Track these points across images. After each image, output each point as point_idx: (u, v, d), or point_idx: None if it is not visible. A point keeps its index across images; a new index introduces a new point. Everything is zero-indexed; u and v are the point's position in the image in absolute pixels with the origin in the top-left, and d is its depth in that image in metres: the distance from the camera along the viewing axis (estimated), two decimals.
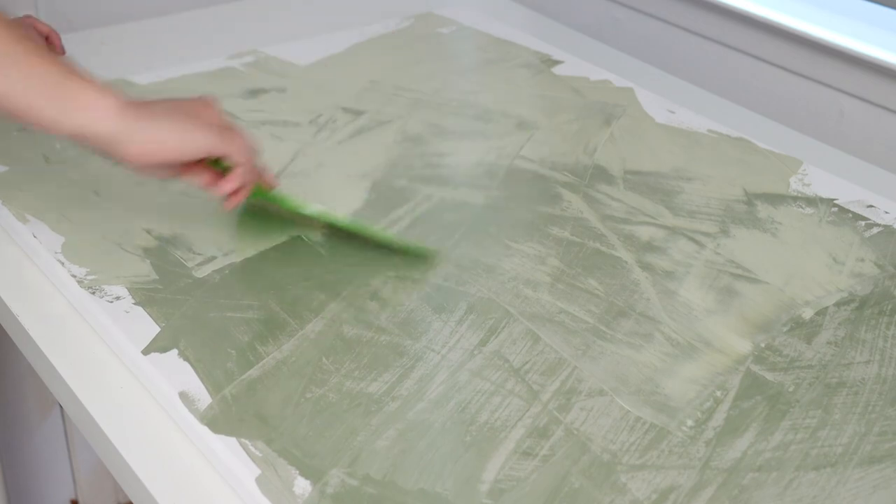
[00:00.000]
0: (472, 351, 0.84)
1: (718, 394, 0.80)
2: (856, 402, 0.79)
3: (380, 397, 0.79)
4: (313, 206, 0.96)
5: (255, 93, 1.22)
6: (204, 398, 0.78)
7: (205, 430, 0.76)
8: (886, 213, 1.02)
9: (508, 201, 1.04)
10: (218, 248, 0.95)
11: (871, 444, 0.76)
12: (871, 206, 1.03)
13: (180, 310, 0.87)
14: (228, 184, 0.88)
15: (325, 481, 0.72)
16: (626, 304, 0.89)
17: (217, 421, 0.76)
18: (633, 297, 0.90)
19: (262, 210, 0.98)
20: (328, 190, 1.05)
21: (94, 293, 0.89)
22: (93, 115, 0.81)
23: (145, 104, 0.84)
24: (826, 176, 1.08)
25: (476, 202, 1.03)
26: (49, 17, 1.42)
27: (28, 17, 1.24)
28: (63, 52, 1.25)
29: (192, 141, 0.85)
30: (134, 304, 0.88)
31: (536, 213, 1.01)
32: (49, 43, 1.24)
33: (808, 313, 0.89)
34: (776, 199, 1.04)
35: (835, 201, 1.04)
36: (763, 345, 0.85)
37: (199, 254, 0.94)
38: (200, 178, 0.90)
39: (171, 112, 0.85)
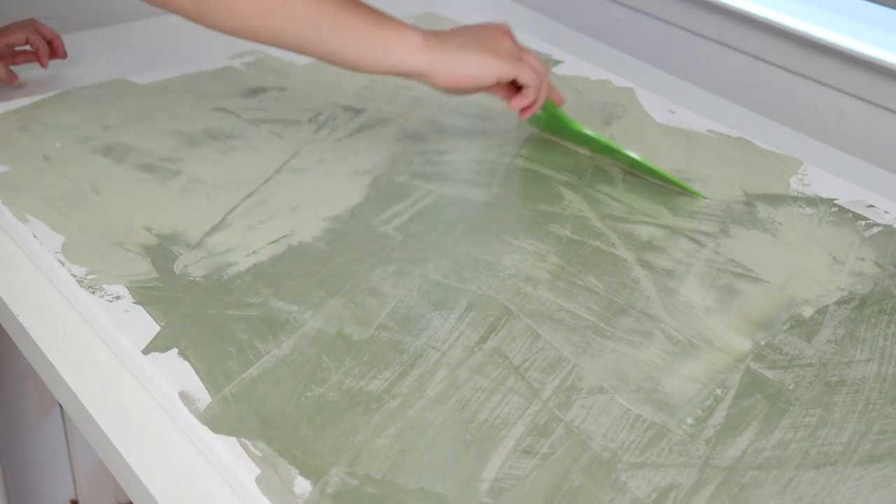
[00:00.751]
0: (472, 348, 0.84)
1: (718, 392, 0.80)
2: (856, 400, 0.79)
3: (380, 395, 0.79)
4: (588, 130, 1.09)
5: (255, 91, 1.22)
6: (204, 398, 0.78)
7: (205, 430, 0.76)
8: (886, 212, 1.02)
9: (508, 199, 1.04)
10: (217, 246, 0.95)
11: (871, 442, 0.76)
12: (871, 205, 1.03)
13: (180, 308, 0.87)
14: (519, 101, 1.05)
15: (325, 481, 0.72)
16: (626, 302, 0.89)
17: (217, 420, 0.76)
18: (634, 295, 0.90)
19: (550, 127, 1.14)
20: (329, 185, 1.05)
21: (94, 293, 0.89)
22: (402, 55, 0.99)
23: (445, 37, 1.02)
24: (826, 176, 1.08)
25: (476, 199, 1.03)
26: (49, 17, 1.42)
27: (31, 21, 1.24)
28: (65, 55, 1.25)
29: (486, 71, 1.01)
30: (134, 303, 0.88)
31: (536, 210, 1.01)
32: (52, 46, 1.24)
33: (808, 312, 0.89)
34: (776, 199, 1.04)
35: (835, 201, 1.04)
36: (763, 343, 0.85)
37: (199, 250, 0.94)
38: (501, 94, 1.06)
39: (468, 46, 1.02)
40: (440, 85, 1.01)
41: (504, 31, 1.05)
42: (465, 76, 1.01)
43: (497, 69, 1.01)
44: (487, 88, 1.05)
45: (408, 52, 0.99)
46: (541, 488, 0.71)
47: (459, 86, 1.02)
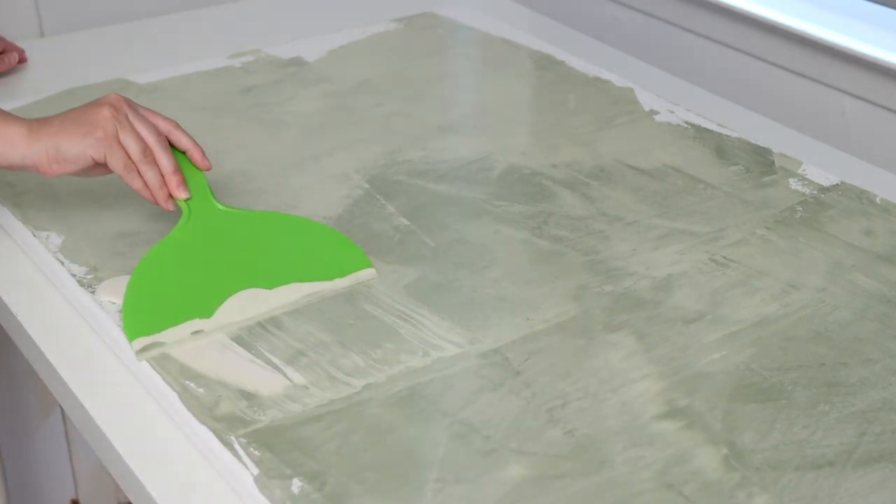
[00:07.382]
0: (470, 349, 0.84)
1: (718, 392, 0.80)
2: (855, 401, 0.79)
3: (378, 397, 0.79)
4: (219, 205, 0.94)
5: (253, 91, 1.22)
6: (204, 398, 0.78)
7: (205, 430, 0.76)
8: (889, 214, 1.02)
9: (506, 198, 1.04)
10: None
11: (870, 443, 0.76)
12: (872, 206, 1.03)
13: None
14: (132, 183, 0.92)
15: (323, 481, 0.72)
16: (625, 303, 0.89)
17: (218, 421, 0.76)
18: (633, 295, 0.90)
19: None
20: (325, 183, 1.05)
21: (93, 292, 0.89)
22: (4, 150, 0.90)
23: (48, 123, 0.91)
24: (827, 176, 1.08)
25: (473, 198, 1.03)
26: (50, 16, 1.42)
27: None
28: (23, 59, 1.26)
29: (79, 153, 0.90)
30: None
31: (535, 210, 1.01)
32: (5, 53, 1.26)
33: (807, 312, 0.89)
34: (776, 200, 1.04)
35: (836, 202, 1.04)
36: (762, 343, 0.85)
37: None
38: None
39: (67, 129, 0.90)
40: (50, 175, 0.91)
41: (107, 103, 0.92)
42: (66, 162, 0.90)
43: (88, 150, 0.90)
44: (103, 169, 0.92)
45: (10, 146, 0.90)
46: (541, 488, 0.71)
47: (67, 172, 0.91)
